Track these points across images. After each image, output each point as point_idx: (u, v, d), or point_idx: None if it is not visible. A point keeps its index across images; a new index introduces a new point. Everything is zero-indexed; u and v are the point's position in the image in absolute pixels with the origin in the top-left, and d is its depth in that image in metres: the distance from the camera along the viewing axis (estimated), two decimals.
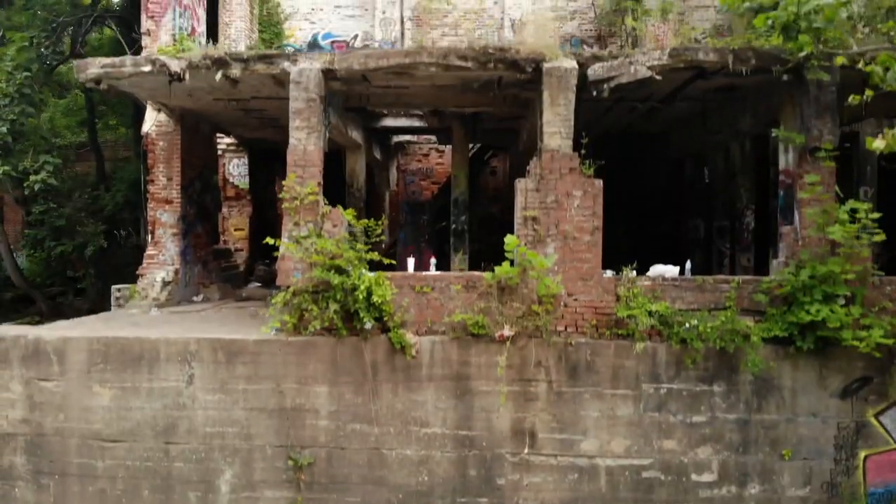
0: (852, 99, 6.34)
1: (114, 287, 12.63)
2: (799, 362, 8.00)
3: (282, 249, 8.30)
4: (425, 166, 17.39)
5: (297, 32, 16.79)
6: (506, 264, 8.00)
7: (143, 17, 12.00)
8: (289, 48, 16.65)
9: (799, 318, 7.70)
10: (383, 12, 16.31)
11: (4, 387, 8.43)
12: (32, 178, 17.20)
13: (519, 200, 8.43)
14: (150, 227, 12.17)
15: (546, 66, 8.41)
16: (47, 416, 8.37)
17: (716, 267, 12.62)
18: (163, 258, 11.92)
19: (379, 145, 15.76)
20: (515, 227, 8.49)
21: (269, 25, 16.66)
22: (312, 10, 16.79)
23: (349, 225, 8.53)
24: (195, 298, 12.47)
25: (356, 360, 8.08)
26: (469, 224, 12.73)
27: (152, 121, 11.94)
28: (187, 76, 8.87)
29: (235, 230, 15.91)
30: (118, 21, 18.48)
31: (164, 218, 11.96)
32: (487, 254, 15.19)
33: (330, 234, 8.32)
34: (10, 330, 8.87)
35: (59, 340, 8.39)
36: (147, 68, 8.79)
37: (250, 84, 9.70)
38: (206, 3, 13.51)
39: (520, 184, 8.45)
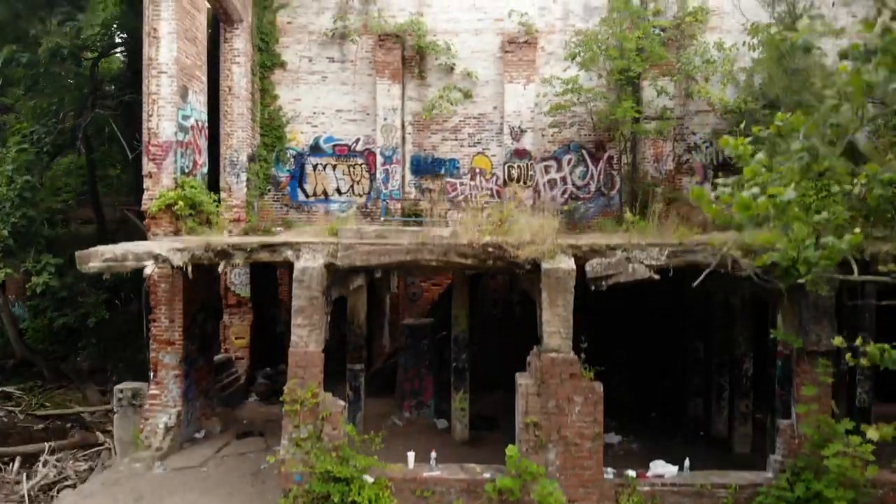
0: (849, 357, 6.41)
1: (116, 388, 12.76)
2: None
3: (282, 452, 8.37)
4: None
5: (298, 136, 16.89)
6: (507, 477, 8.07)
7: (145, 159, 12.12)
8: (290, 151, 16.92)
9: None
10: (385, 119, 16.40)
11: None
12: (34, 279, 17.35)
13: (520, 404, 8.50)
14: (152, 366, 12.24)
15: (545, 266, 8.50)
16: None
17: (714, 402, 12.70)
18: (165, 400, 11.99)
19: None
20: (517, 431, 8.56)
21: (271, 129, 16.78)
22: (314, 113, 16.87)
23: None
24: (197, 435, 12.53)
25: None
26: (469, 362, 12.78)
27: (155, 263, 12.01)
28: (189, 269, 8.97)
29: (236, 339, 15.98)
30: (118, 104, 18.59)
31: (167, 360, 12.02)
32: (488, 357, 15.29)
33: (330, 437, 8.40)
34: None
35: None
36: (149, 263, 8.88)
37: None
38: (207, 130, 13.65)
39: (521, 387, 8.52)
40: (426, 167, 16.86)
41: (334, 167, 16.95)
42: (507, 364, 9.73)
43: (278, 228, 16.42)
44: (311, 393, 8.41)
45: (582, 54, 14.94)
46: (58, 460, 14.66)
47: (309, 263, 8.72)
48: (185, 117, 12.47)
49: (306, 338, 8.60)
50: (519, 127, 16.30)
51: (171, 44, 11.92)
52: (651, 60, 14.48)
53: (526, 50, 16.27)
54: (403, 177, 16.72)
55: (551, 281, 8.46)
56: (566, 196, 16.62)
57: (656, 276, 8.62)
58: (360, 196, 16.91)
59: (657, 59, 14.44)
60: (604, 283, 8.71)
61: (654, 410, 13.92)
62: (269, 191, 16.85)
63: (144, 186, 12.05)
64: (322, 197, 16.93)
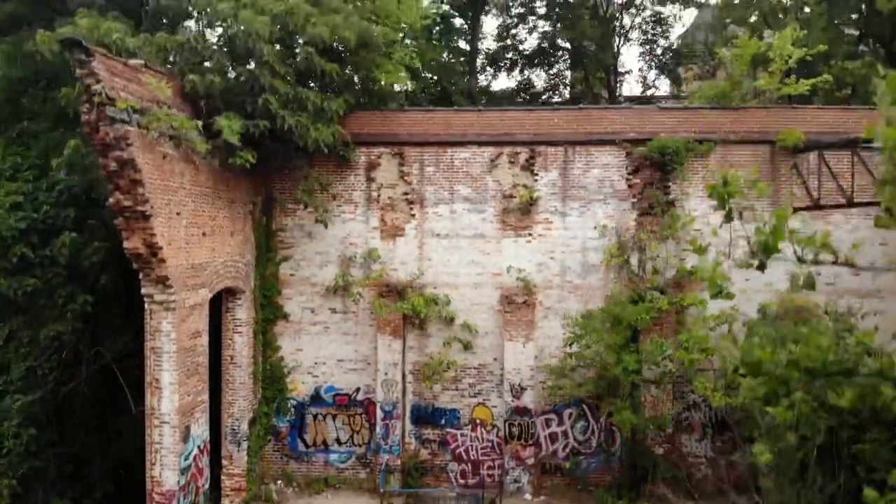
0: None
1: None
2: None
3: None
4: None
5: (299, 385, 17.02)
6: None
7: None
8: (291, 401, 17.06)
9: None
10: (385, 374, 16.52)
11: None
12: None
13: None
14: None
15: None
16: None
17: None
18: None
19: None
20: None
21: (272, 381, 16.91)
22: (315, 363, 17.00)
23: None
24: None
25: None
26: None
27: None
28: None
29: None
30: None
31: None
32: None
33: None
34: None
35: None
36: None
37: None
38: (209, 445, 13.80)
39: None
40: (426, 417, 16.97)
41: (334, 417, 17.08)
42: None
43: (278, 482, 16.61)
44: None
45: (580, 339, 15.12)
46: None
47: None
48: (188, 456, 12.62)
49: None
50: (519, 384, 16.41)
51: (172, 395, 12.09)
52: (651, 360, 14.59)
53: (524, 311, 16.41)
54: (404, 428, 16.82)
55: None
56: (567, 450, 16.67)
57: None
58: (360, 446, 17.03)
59: (655, 357, 14.54)
60: None
61: None
62: (270, 441, 16.95)
63: None
64: (322, 447, 17.04)
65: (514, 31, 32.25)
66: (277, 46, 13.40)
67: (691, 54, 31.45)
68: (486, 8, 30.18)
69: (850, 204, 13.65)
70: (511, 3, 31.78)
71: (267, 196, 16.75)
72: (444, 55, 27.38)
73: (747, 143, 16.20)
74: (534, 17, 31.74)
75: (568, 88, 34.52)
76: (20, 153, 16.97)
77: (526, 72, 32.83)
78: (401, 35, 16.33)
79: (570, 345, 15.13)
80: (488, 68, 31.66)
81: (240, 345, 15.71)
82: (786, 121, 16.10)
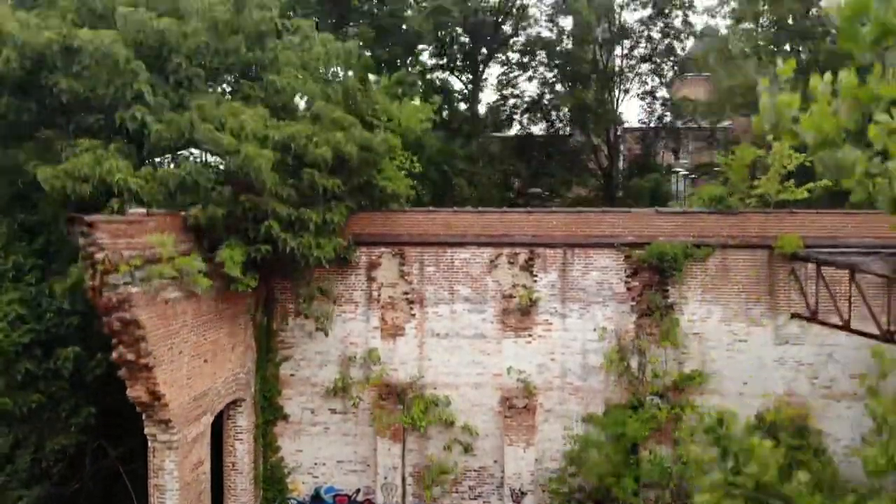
0: None
1: None
2: None
3: None
4: None
5: (300, 486, 17.07)
6: None
7: None
8: (292, 502, 17.09)
9: None
10: (385, 478, 16.57)
11: None
12: None
13: None
14: None
15: None
16: None
17: None
18: None
19: None
20: None
21: (273, 483, 16.95)
22: (315, 464, 17.05)
23: None
24: None
25: None
26: None
27: None
28: None
29: None
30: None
31: None
32: None
33: None
34: None
35: None
36: None
37: None
38: None
39: None
40: None
41: None
42: None
43: None
44: None
45: (580, 453, 15.21)
46: None
47: None
48: None
49: None
50: (520, 490, 16.44)
51: None
52: (649, 477, 14.67)
53: (525, 415, 16.45)
54: None
55: None
56: None
57: None
58: None
59: (653, 476, 14.61)
60: None
61: None
62: None
63: None
64: None
65: (514, 81, 32.34)
66: (279, 173, 13.45)
67: (690, 108, 31.56)
68: (485, 77, 30.41)
69: (848, 329, 13.69)
70: (511, 58, 31.90)
71: (268, 298, 16.80)
72: (444, 114, 27.35)
73: (746, 248, 16.28)
74: (534, 64, 31.78)
75: (569, 137, 34.60)
76: (21, 249, 16.99)
77: (525, 121, 32.95)
78: (401, 140, 16.37)
79: (570, 462, 15.21)
80: (487, 128, 31.57)
81: (241, 452, 15.77)
82: (784, 225, 16.18)
